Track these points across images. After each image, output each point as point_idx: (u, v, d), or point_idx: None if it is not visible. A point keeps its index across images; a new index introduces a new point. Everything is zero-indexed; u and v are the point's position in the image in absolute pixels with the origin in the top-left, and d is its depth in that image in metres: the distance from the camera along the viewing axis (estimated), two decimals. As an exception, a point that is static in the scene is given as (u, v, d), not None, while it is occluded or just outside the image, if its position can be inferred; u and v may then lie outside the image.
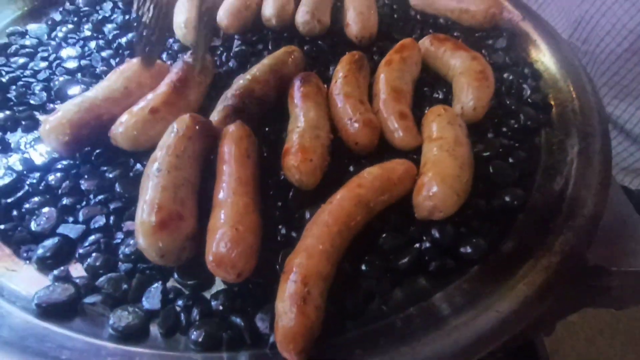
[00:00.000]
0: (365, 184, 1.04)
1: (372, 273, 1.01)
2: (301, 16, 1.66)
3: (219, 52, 1.63)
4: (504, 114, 1.41)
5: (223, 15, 1.66)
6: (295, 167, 1.07)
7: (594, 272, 1.06)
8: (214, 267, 0.89)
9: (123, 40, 1.67)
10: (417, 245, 1.05)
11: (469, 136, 1.22)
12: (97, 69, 1.56)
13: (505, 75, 1.56)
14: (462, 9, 1.74)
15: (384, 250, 1.04)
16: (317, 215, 1.00)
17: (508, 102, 1.43)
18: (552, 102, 1.44)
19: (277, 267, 1.00)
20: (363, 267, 1.01)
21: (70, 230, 1.07)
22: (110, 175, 1.20)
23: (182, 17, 1.61)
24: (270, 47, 1.68)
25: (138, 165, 1.21)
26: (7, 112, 1.36)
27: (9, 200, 1.12)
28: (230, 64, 1.58)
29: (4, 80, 1.45)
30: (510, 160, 1.27)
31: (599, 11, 1.78)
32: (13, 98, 1.41)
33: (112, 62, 1.61)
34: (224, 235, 0.89)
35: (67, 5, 1.82)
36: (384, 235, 1.06)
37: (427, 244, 1.05)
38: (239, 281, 0.89)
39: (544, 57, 1.60)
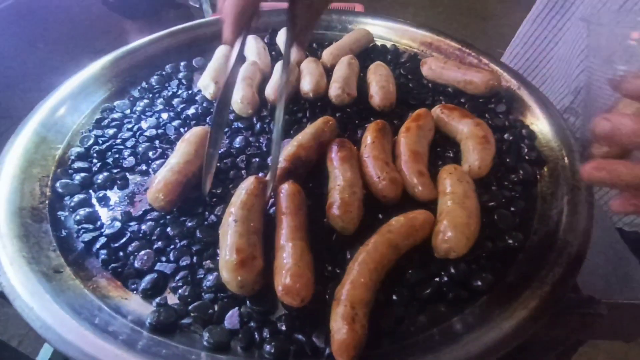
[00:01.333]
0: (393, 230, 1.34)
1: (401, 301, 1.27)
2: (334, 90, 2.04)
3: (267, 121, 2.00)
4: (506, 170, 1.71)
5: (270, 91, 2.05)
6: (339, 217, 1.38)
7: (584, 301, 1.30)
8: (283, 295, 1.17)
9: (189, 112, 2.07)
10: (437, 279, 1.32)
11: (476, 190, 1.52)
12: (171, 137, 1.94)
13: (505, 135, 1.87)
14: (467, 80, 2.09)
15: (411, 283, 1.32)
16: (357, 255, 1.29)
17: (508, 160, 1.73)
18: (545, 160, 1.73)
19: (327, 296, 1.28)
20: (394, 297, 1.28)
21: (165, 267, 1.38)
22: (190, 224, 1.52)
23: (238, 94, 2.00)
24: (308, 115, 2.05)
25: (212, 216, 1.54)
26: (106, 174, 1.72)
27: (116, 245, 1.44)
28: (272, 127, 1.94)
29: (102, 148, 1.82)
30: (512, 208, 1.56)
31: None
32: (110, 162, 1.78)
33: (182, 130, 1.99)
34: (289, 271, 1.18)
35: (143, 84, 2.24)
36: (410, 271, 1.34)
37: (445, 278, 1.32)
38: (301, 306, 1.17)
39: (537, 120, 1.91)
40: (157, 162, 1.79)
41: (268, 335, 1.18)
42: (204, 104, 2.12)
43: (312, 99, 2.09)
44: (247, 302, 1.28)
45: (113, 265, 1.38)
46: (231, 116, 2.05)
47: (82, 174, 1.70)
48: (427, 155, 1.72)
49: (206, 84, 2.13)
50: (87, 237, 1.45)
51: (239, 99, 1.98)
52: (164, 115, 2.07)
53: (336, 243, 1.43)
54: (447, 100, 2.10)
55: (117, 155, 1.82)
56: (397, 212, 1.51)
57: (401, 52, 2.53)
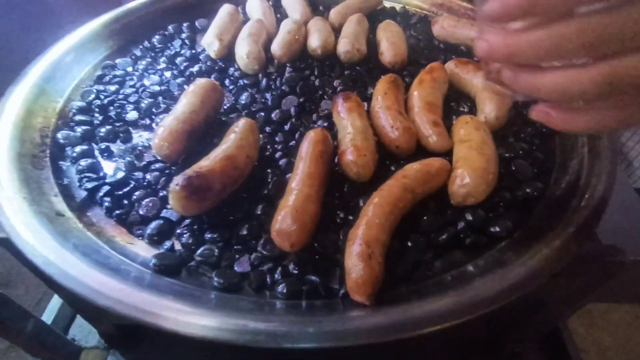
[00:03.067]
0: (409, 175, 1.28)
1: (417, 248, 1.22)
2: (343, 46, 1.97)
3: (273, 77, 1.93)
4: (523, 123, 1.64)
5: (277, 47, 1.98)
6: (353, 162, 1.32)
7: (607, 248, 1.25)
8: (275, 235, 1.13)
9: (193, 69, 2.01)
10: (454, 226, 1.27)
11: (493, 140, 1.46)
12: (175, 93, 1.88)
13: (521, 91, 1.80)
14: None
15: (426, 230, 1.26)
16: (371, 199, 1.23)
17: (525, 112, 1.66)
18: (564, 112, 1.66)
19: (339, 242, 1.23)
20: (409, 244, 1.23)
21: (171, 214, 1.33)
22: (196, 175, 1.46)
23: (244, 50, 1.93)
24: (316, 73, 1.98)
25: (218, 166, 1.48)
26: (109, 127, 1.67)
27: (120, 192, 1.39)
28: (283, 87, 1.87)
29: (104, 102, 1.76)
30: (529, 160, 1.50)
31: None
32: (113, 116, 1.72)
33: (186, 87, 1.92)
34: (286, 214, 1.14)
35: (145, 43, 2.17)
36: (425, 217, 1.28)
37: (462, 224, 1.26)
38: (292, 251, 1.13)
39: (555, 76, 1.83)
40: (161, 116, 1.73)
41: (280, 277, 1.13)
42: (208, 63, 2.05)
43: (320, 56, 2.02)
44: (259, 248, 1.23)
45: (117, 212, 1.33)
46: (236, 73, 1.99)
47: (84, 127, 1.64)
48: (442, 107, 1.66)
49: (210, 42, 2.06)
50: (90, 185, 1.40)
51: (245, 55, 1.91)
52: (167, 74, 2.01)
53: (349, 191, 1.38)
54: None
55: (119, 110, 1.76)
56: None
57: (411, 14, 2.45)
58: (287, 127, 1.70)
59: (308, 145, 1.36)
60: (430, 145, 1.50)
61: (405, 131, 1.47)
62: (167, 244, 1.24)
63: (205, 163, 1.27)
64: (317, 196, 1.25)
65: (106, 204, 1.35)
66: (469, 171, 1.28)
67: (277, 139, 1.66)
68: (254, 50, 1.93)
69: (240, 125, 1.46)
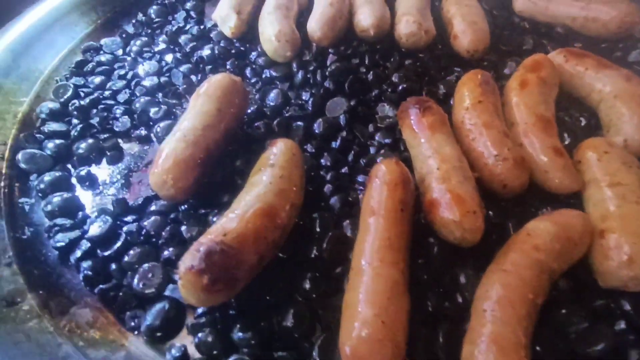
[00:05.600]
0: (543, 246, 0.84)
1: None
2: (406, 26, 1.46)
3: (311, 68, 1.44)
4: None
5: (315, 26, 1.47)
6: (456, 223, 0.87)
7: None
8: (350, 356, 0.71)
9: (203, 53, 1.51)
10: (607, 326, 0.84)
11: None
12: (179, 88, 1.40)
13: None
14: (589, 17, 1.49)
15: (568, 332, 0.84)
16: (489, 286, 0.80)
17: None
18: None
19: (438, 349, 0.81)
20: (537, 348, 0.81)
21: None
22: (214, 219, 1.03)
23: (272, 29, 1.43)
24: (367, 62, 1.48)
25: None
26: (91, 141, 1.21)
27: (106, 252, 0.96)
28: (326, 83, 1.38)
29: (84, 103, 1.30)
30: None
31: None
32: (96, 125, 1.26)
33: (194, 78, 1.45)
34: (366, 328, 0.71)
35: (140, 16, 1.66)
36: (563, 310, 0.85)
37: (623, 325, 0.83)
38: None
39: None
40: (162, 124, 1.26)
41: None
42: (222, 43, 1.56)
43: (373, 39, 1.51)
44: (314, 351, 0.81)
45: (102, 286, 0.90)
46: (260, 60, 1.49)
47: (57, 141, 1.19)
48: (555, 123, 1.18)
49: (225, 15, 1.54)
50: (62, 239, 0.97)
51: (274, 36, 1.41)
52: (168, 58, 1.51)
53: (439, 256, 0.94)
54: (555, 45, 1.51)
55: (105, 114, 1.29)
56: (515, 209, 1.02)
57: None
58: (335, 144, 1.24)
59: (381, 191, 0.91)
60: (549, 183, 1.04)
61: (518, 164, 1.02)
62: (177, 347, 0.82)
63: (232, 224, 0.83)
64: (405, 280, 0.82)
65: (85, 271, 0.92)
66: (631, 240, 0.83)
67: (322, 161, 1.20)
68: (286, 29, 1.42)
69: (279, 152, 1.00)
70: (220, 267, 0.75)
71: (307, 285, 0.92)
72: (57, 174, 1.11)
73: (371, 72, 1.42)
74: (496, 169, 1.03)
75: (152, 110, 1.31)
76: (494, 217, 1.02)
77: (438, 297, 0.88)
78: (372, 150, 1.24)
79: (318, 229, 1.02)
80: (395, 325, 0.72)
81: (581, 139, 1.13)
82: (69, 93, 1.31)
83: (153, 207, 1.06)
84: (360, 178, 1.15)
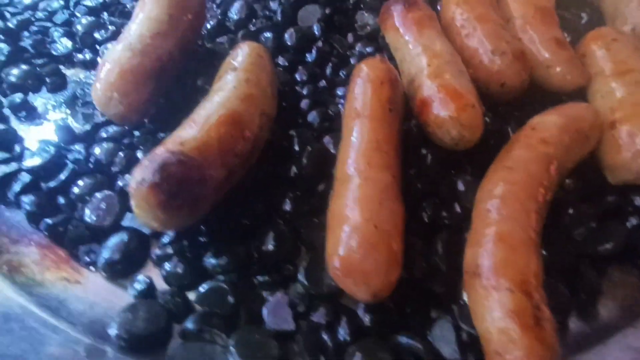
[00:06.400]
0: (551, 139, 0.74)
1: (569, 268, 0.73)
2: None
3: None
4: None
5: None
6: (454, 119, 0.76)
7: None
8: (340, 276, 0.61)
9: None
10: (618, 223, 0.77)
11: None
12: (127, 6, 1.21)
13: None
14: None
15: (576, 232, 0.76)
16: (492, 185, 0.70)
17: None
18: None
19: (437, 258, 0.72)
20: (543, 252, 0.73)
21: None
22: (176, 144, 0.89)
23: None
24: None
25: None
26: (25, 67, 1.03)
27: (51, 185, 0.82)
28: None
29: (11, 25, 1.10)
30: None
31: None
32: (29, 47, 1.07)
33: (143, -3, 1.25)
34: (356, 234, 0.61)
35: None
36: (570, 210, 0.77)
37: (636, 221, 0.76)
38: (373, 301, 0.62)
39: None
40: (110, 44, 1.09)
41: (349, 337, 0.64)
42: None
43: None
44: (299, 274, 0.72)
45: (49, 221, 0.78)
46: None
47: (-18, 67, 1.01)
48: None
49: None
50: (-4, 173, 0.82)
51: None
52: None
53: (434, 165, 0.83)
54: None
55: (40, 37, 1.10)
56: (515, 113, 0.92)
57: None
58: (310, 57, 1.09)
59: (365, 90, 0.79)
60: (552, 79, 0.93)
61: (518, 58, 0.90)
62: (140, 280, 0.72)
63: (191, 132, 0.70)
64: (398, 186, 0.72)
65: (26, 206, 0.79)
66: (646, 129, 0.74)
67: (297, 76, 1.06)
68: None
69: (243, 55, 0.85)
70: (178, 180, 0.63)
71: (288, 206, 0.81)
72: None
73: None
74: (493, 66, 0.90)
75: (97, 33, 1.13)
76: (492, 123, 0.91)
77: (434, 207, 0.79)
78: (352, 61, 1.10)
79: (296, 147, 0.90)
80: (390, 230, 0.63)
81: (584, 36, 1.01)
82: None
83: (103, 134, 0.91)
84: (340, 91, 1.02)
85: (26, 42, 1.09)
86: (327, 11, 1.17)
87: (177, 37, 0.94)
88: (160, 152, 0.66)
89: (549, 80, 0.94)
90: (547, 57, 0.93)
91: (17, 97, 0.98)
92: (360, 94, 0.79)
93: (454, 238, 0.74)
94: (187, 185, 0.64)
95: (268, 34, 1.13)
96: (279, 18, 1.16)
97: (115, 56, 0.85)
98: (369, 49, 1.10)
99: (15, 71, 1.02)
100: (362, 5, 1.21)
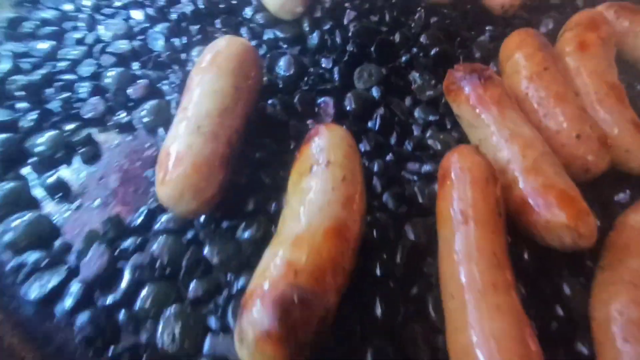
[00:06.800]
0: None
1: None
2: (434, -25, 1.22)
3: (327, 28, 1.17)
4: None
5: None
6: (570, 228, 0.71)
7: None
8: None
9: (182, 8, 1.18)
10: None
11: None
12: (161, 56, 1.08)
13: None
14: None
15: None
16: (613, 302, 0.66)
17: None
18: None
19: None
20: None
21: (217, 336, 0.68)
22: (245, 235, 0.79)
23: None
24: (387, 19, 1.24)
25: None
26: (52, 133, 0.89)
27: (109, 301, 0.70)
28: (349, 46, 1.13)
29: (33, 79, 0.95)
30: None
31: None
32: (58, 109, 0.93)
33: (176, 42, 1.12)
34: None
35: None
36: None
37: None
38: None
39: None
40: (147, 105, 0.96)
41: None
42: None
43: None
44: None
45: (113, 349, 0.65)
46: (258, 17, 1.19)
47: (3, 136, 0.85)
48: (622, 91, 1.05)
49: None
50: (41, 288, 0.68)
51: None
52: (137, 15, 1.17)
53: (533, 265, 0.79)
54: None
55: (66, 94, 0.95)
56: (590, 194, 0.88)
57: None
58: (373, 124, 1.02)
59: (467, 191, 0.73)
60: (632, 164, 0.92)
61: (602, 144, 0.87)
62: None
63: (300, 255, 0.60)
64: (521, 305, 0.66)
65: (83, 329, 0.66)
66: None
67: (360, 146, 0.98)
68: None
69: (330, 145, 0.76)
70: (303, 326, 0.54)
71: (380, 311, 0.73)
72: (10, 185, 0.80)
73: (397, 33, 1.19)
74: (577, 151, 0.87)
75: (131, 87, 0.99)
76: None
77: (543, 315, 0.74)
78: (415, 129, 1.03)
79: (376, 236, 0.82)
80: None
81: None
82: (7, 66, 0.95)
83: (159, 224, 0.79)
84: (411, 165, 0.96)
85: (52, 102, 0.94)
86: (385, 71, 1.10)
87: (242, 110, 0.84)
88: (275, 283, 0.56)
89: (627, 164, 0.92)
90: (626, 140, 0.91)
91: (49, 176, 0.83)
92: (462, 195, 0.73)
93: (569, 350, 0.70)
94: (310, 327, 0.55)
95: (326, 98, 1.04)
96: (336, 78, 1.07)
97: (182, 143, 0.73)
98: (432, 117, 1.04)
99: (43, 139, 0.88)
100: (414, 64, 1.15)
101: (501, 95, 0.93)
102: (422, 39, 1.20)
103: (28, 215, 0.77)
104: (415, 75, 1.13)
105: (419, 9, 1.27)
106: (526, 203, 0.77)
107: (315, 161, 0.74)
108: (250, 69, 0.88)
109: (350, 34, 1.14)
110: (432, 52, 1.17)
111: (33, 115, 0.89)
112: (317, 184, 0.70)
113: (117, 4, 1.19)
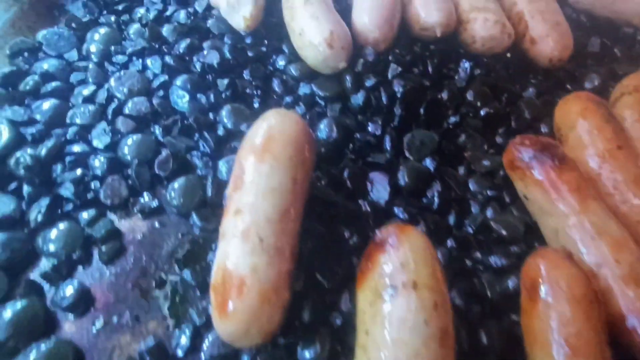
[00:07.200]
0: None
1: None
2: (484, 27, 1.13)
3: (370, 84, 1.06)
4: None
5: (370, 23, 1.08)
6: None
7: None
8: None
9: (206, 58, 1.04)
10: None
11: None
12: (188, 117, 0.94)
13: None
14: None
15: None
16: None
17: None
18: None
19: None
20: None
21: None
22: (309, 356, 0.68)
23: (319, 28, 1.01)
24: (430, 71, 1.14)
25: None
26: (67, 226, 0.74)
27: None
28: (396, 109, 1.02)
29: (39, 154, 0.79)
30: None
31: None
32: (71, 194, 0.78)
33: (202, 98, 0.98)
34: None
35: (91, -12, 1.09)
36: None
37: None
38: None
39: None
40: (177, 183, 0.82)
41: None
42: (227, 38, 1.08)
43: (435, 39, 1.15)
44: None
45: None
46: (292, 69, 1.07)
47: (2, 234, 0.70)
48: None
49: (235, 0, 1.05)
50: None
51: (323, 40, 0.98)
52: (153, 64, 1.01)
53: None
54: (623, 49, 1.31)
55: (80, 175, 0.80)
56: None
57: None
58: (430, 201, 0.92)
59: (566, 312, 0.65)
60: None
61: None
62: None
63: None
64: None
65: None
66: None
67: (419, 227, 0.88)
68: (339, 30, 1.02)
69: (410, 258, 0.65)
70: None
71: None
72: (21, 305, 0.65)
73: (445, 90, 1.09)
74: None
75: (156, 160, 0.85)
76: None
77: None
78: (474, 208, 0.94)
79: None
80: None
81: None
82: (7, 137, 0.79)
83: (208, 347, 0.67)
84: (476, 254, 0.86)
85: (64, 185, 0.78)
86: (437, 137, 1.00)
87: (301, 204, 0.72)
88: None
89: None
90: None
91: (67, 284, 0.69)
92: (563, 319, 0.64)
93: None
94: None
95: (378, 173, 0.93)
96: (387, 148, 0.96)
97: (244, 264, 0.60)
98: (490, 192, 0.95)
99: (55, 235, 0.73)
100: (463, 127, 1.06)
101: (579, 180, 0.84)
102: (469, 95, 1.11)
103: (45, 345, 0.62)
104: (466, 139, 1.03)
105: (463, 60, 1.17)
106: (626, 320, 0.69)
107: (395, 280, 0.63)
108: (308, 153, 0.76)
109: (397, 93, 1.03)
110: (482, 112, 1.08)
111: (42, 204, 0.74)
112: (405, 314, 0.60)
113: (129, 49, 1.03)
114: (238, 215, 0.66)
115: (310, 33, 0.99)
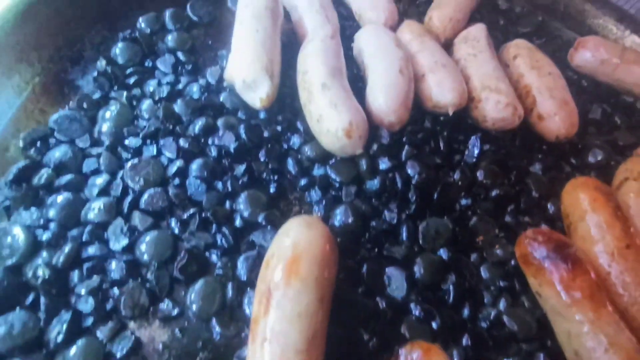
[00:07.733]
0: None
1: None
2: (495, 109, 1.15)
3: (385, 167, 1.06)
4: None
5: (387, 106, 1.07)
6: None
7: None
8: None
9: (223, 138, 1.03)
10: None
11: None
12: (203, 209, 0.93)
13: None
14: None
15: None
16: None
17: None
18: None
19: None
20: None
21: None
22: None
23: (338, 117, 1.00)
24: (442, 147, 1.15)
25: None
26: (86, 344, 0.73)
27: None
28: (411, 195, 1.03)
29: (58, 263, 0.78)
30: None
31: None
32: (90, 307, 0.76)
33: (219, 185, 0.97)
34: None
35: (102, 63, 1.07)
36: None
37: None
38: None
39: None
40: (196, 286, 0.81)
41: None
42: (240, 114, 1.07)
43: (446, 117, 1.16)
44: None
45: None
46: (307, 150, 1.06)
47: None
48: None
49: (252, 80, 1.03)
50: None
51: (342, 130, 0.98)
52: (167, 148, 1.00)
53: None
54: (622, 117, 1.35)
55: (99, 289, 0.78)
56: None
57: (519, 13, 1.61)
58: (445, 294, 0.93)
59: None
60: None
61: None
62: None
63: None
64: None
65: None
66: None
67: (433, 324, 0.89)
68: (359, 119, 1.01)
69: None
70: None
71: None
72: None
73: (457, 171, 1.10)
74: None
75: (175, 262, 0.84)
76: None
77: None
78: (486, 296, 0.96)
79: None
80: None
81: None
82: (23, 245, 0.77)
83: None
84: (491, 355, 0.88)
85: (83, 301, 0.76)
86: (450, 225, 1.01)
87: (324, 324, 0.72)
88: None
89: None
90: None
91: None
92: None
93: None
94: None
95: (395, 269, 0.93)
96: (404, 239, 0.97)
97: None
98: (502, 283, 0.97)
99: (73, 353, 0.72)
100: (475, 207, 1.07)
101: (592, 287, 0.86)
102: (479, 175, 1.13)
103: None
104: (477, 222, 1.05)
105: (472, 138, 1.17)
106: None
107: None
108: (333, 267, 0.76)
109: (411, 178, 1.04)
110: (493, 193, 1.10)
111: (62, 320, 0.73)
112: None
113: (142, 131, 1.01)
114: (267, 344, 0.66)
115: (329, 122, 0.99)
